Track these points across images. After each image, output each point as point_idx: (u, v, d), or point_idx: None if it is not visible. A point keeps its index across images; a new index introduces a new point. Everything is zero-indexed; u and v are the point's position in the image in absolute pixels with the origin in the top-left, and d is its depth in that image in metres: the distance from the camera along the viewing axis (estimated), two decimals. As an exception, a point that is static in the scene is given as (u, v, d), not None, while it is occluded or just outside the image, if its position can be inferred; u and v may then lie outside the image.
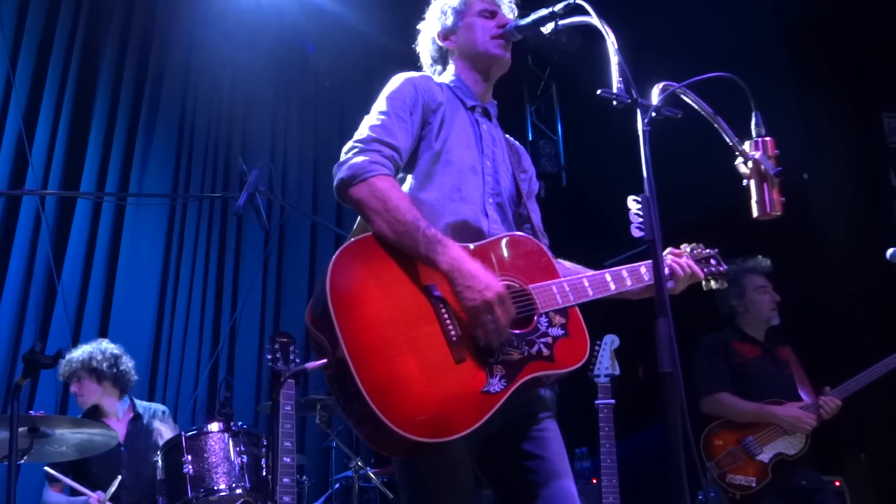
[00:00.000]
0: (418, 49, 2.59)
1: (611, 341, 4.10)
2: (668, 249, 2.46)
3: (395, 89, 2.29)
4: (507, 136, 2.55)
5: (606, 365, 4.02)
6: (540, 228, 2.45)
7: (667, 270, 2.39)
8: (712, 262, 2.61)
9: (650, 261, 2.30)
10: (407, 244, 2.04)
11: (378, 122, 2.20)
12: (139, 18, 5.96)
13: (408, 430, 1.86)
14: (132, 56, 5.88)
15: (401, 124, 2.22)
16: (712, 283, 2.59)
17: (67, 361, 4.35)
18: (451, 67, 2.49)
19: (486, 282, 2.01)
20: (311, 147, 6.65)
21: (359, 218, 2.24)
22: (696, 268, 2.50)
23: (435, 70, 2.54)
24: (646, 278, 2.34)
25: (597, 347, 4.07)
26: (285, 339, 3.81)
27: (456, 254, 2.04)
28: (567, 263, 2.42)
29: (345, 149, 2.18)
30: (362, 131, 2.20)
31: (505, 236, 2.25)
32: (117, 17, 5.87)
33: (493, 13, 2.45)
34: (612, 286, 2.29)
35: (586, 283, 2.24)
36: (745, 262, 4.51)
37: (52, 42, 5.49)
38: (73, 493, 4.15)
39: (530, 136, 7.15)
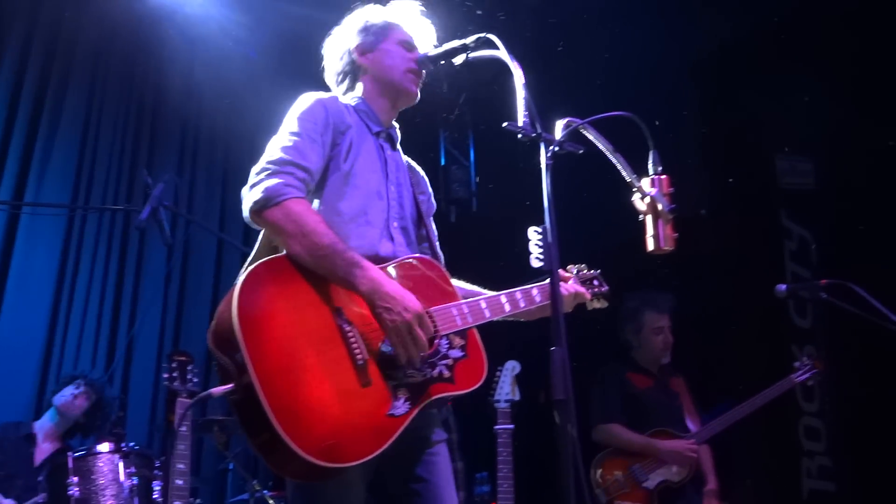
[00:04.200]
0: (325, 55, 2.56)
1: (512, 367, 4.19)
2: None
3: (306, 109, 2.28)
4: (407, 158, 2.60)
5: (507, 390, 4.10)
6: (437, 249, 2.51)
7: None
8: (595, 282, 2.79)
9: (542, 283, 2.45)
10: (326, 267, 2.05)
11: (290, 143, 2.19)
12: (45, 19, 5.77)
13: (315, 456, 1.85)
14: (35, 58, 5.67)
15: (313, 146, 2.22)
16: (595, 303, 2.75)
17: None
18: (359, 87, 2.50)
19: (405, 302, 2.06)
20: (220, 162, 6.55)
21: (260, 237, 2.23)
22: (581, 289, 2.68)
23: (339, 81, 2.53)
24: (537, 300, 2.47)
25: (498, 373, 4.15)
26: (183, 358, 3.74)
27: (374, 275, 2.07)
28: (465, 285, 2.48)
29: (255, 170, 2.16)
30: (273, 152, 2.18)
31: (406, 258, 2.30)
32: (21, 16, 5.66)
33: (411, 47, 2.50)
34: (507, 307, 2.39)
35: (483, 305, 2.32)
36: (648, 297, 4.68)
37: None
38: None
39: (443, 160, 7.22)
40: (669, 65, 5.81)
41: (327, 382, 1.95)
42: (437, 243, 2.53)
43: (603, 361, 4.70)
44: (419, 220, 2.49)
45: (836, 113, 5.56)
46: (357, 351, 2.02)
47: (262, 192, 2.09)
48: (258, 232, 2.25)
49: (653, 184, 2.24)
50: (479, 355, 2.27)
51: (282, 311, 1.98)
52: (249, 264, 2.08)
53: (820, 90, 5.62)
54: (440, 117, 7.18)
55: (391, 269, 2.22)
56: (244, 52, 6.16)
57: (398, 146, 2.56)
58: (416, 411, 2.06)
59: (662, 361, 4.58)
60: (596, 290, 2.76)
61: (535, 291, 2.47)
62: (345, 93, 2.53)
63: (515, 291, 2.44)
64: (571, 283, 2.68)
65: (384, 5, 2.57)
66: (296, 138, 2.21)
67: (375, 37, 2.48)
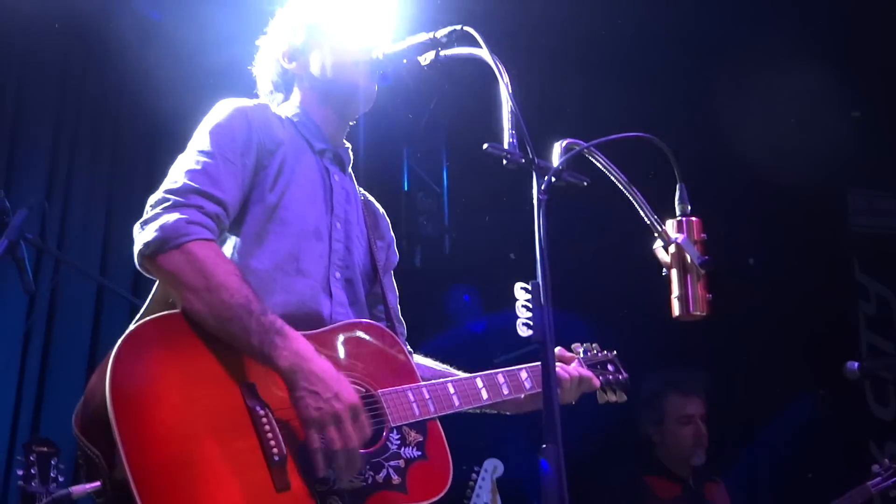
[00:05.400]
0: (255, 71, 2.65)
1: (493, 468, 4.17)
2: (556, 349, 2.58)
3: (223, 122, 2.32)
4: (363, 191, 2.63)
5: (486, 500, 4.09)
6: (396, 314, 2.53)
7: None
8: (609, 367, 2.80)
9: (534, 364, 2.43)
10: (234, 333, 2.07)
11: (198, 167, 2.22)
12: None
13: None
14: None
15: (229, 169, 2.25)
16: (608, 394, 2.74)
17: None
18: (295, 97, 2.57)
19: (337, 388, 2.07)
20: (104, 186, 6.52)
21: (156, 286, 2.24)
22: (587, 374, 2.67)
23: (275, 100, 2.61)
24: (527, 386, 2.48)
25: (474, 475, 4.14)
26: (45, 449, 3.73)
27: (300, 347, 2.09)
28: (430, 362, 2.50)
29: (151, 201, 2.18)
30: (177, 177, 2.21)
31: (350, 324, 2.32)
32: None
33: (357, 34, 2.54)
34: (485, 395, 2.40)
35: (451, 390, 2.34)
36: (671, 376, 4.68)
37: None
38: None
39: (406, 185, 7.19)
40: (703, 70, 5.89)
41: (230, 484, 1.96)
42: (398, 308, 2.55)
43: (614, 463, 4.71)
44: (373, 274, 2.51)
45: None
46: (272, 443, 2.04)
47: (158, 230, 2.11)
48: (154, 279, 2.26)
49: (680, 227, 2.28)
50: (442, 456, 2.28)
51: (173, 388, 2.00)
52: (136, 323, 2.10)
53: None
54: (403, 128, 7.19)
55: (328, 336, 2.24)
56: (147, 16, 6.16)
57: (350, 171, 2.59)
58: None
59: (694, 462, 4.59)
60: (610, 377, 2.77)
61: (524, 375, 2.48)
62: (280, 104, 2.59)
63: (497, 374, 2.45)
64: (575, 365, 2.69)
65: None
66: (207, 160, 2.24)
67: (305, 34, 2.55)
